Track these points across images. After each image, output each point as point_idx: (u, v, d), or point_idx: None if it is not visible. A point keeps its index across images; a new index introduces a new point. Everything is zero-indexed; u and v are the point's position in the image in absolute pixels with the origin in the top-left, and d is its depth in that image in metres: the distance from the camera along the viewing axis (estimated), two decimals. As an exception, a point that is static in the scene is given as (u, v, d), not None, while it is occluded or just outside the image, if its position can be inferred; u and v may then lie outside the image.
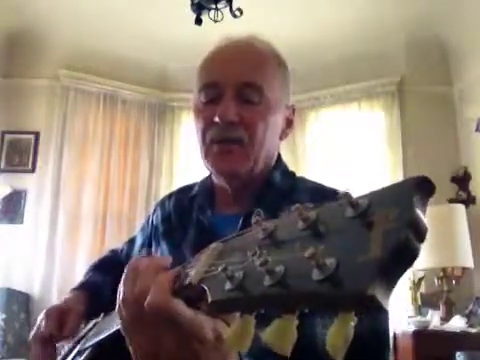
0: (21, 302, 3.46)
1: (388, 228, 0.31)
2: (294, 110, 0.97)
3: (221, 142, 0.86)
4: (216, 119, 0.84)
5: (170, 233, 0.98)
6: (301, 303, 0.34)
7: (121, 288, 0.53)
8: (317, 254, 0.33)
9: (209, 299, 0.42)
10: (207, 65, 0.92)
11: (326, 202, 0.38)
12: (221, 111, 0.83)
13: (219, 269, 0.41)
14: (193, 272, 0.47)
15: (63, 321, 0.89)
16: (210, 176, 0.99)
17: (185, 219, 0.96)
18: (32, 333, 0.90)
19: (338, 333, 0.32)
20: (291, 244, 0.37)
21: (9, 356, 3.18)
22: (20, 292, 3.51)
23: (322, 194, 0.85)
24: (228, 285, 0.39)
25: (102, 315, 0.90)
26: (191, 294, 0.48)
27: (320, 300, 0.33)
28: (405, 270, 0.32)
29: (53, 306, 0.93)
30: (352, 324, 0.32)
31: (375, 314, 0.70)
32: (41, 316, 0.91)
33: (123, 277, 0.54)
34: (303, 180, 0.94)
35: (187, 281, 0.47)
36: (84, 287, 1.01)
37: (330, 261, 0.32)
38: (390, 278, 0.31)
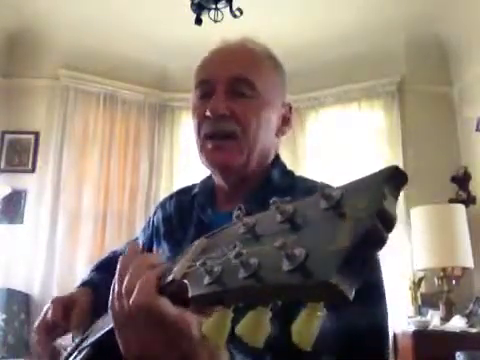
0: (21, 302, 3.46)
1: (357, 218, 0.31)
2: (291, 108, 0.98)
3: (214, 137, 0.87)
4: (207, 113, 0.86)
5: (171, 233, 0.98)
6: (273, 295, 0.35)
7: (113, 285, 0.54)
8: (287, 245, 0.33)
9: (190, 294, 0.42)
10: (201, 65, 0.95)
11: None
12: (211, 105, 0.86)
13: (198, 264, 0.41)
14: (177, 268, 0.48)
15: (69, 311, 0.90)
16: (211, 176, 1.00)
17: (186, 219, 0.96)
18: (37, 322, 0.91)
19: (305, 324, 0.31)
20: (268, 237, 0.38)
21: (9, 356, 3.18)
22: (20, 292, 3.51)
23: None
24: (207, 279, 0.40)
25: (104, 313, 0.90)
26: (176, 290, 0.48)
27: (290, 291, 0.33)
28: (371, 258, 0.32)
29: (59, 296, 0.94)
30: (319, 314, 0.32)
31: (372, 308, 0.70)
32: (47, 305, 0.92)
33: (115, 275, 0.55)
34: (302, 179, 0.94)
35: (171, 277, 0.48)
36: (86, 285, 1.02)
37: (299, 251, 0.32)
38: (356, 267, 0.31)
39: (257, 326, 0.35)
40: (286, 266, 0.33)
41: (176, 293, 0.48)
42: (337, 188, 0.35)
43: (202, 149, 0.90)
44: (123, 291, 0.51)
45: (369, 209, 0.31)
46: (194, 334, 0.48)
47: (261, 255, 0.36)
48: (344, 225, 0.31)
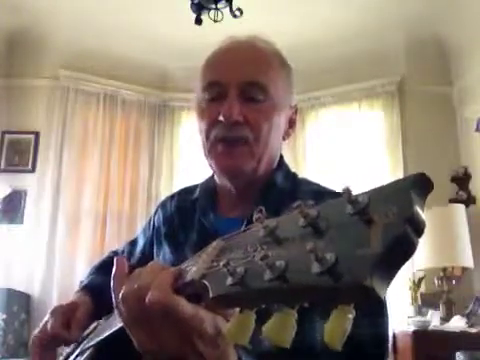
0: (21, 302, 3.46)
1: (387, 223, 0.31)
2: (297, 110, 0.98)
3: (226, 141, 0.86)
4: (220, 118, 0.84)
5: (172, 235, 0.97)
6: (301, 296, 0.35)
7: (121, 287, 0.54)
8: (317, 249, 0.33)
9: (210, 294, 0.42)
10: (211, 65, 0.92)
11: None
12: (225, 111, 0.84)
13: (220, 265, 0.42)
14: (194, 269, 0.48)
15: (70, 320, 0.88)
16: (212, 177, 0.99)
17: (187, 221, 0.96)
18: (35, 332, 0.89)
19: (336, 325, 0.32)
20: (292, 240, 0.38)
21: (9, 356, 3.18)
22: (20, 292, 3.51)
23: (325, 196, 0.84)
24: (229, 280, 0.40)
25: (104, 316, 0.90)
26: (193, 291, 0.48)
27: (319, 293, 0.34)
28: (403, 263, 0.32)
29: (59, 305, 0.92)
30: (350, 317, 0.32)
31: (376, 317, 0.70)
32: (47, 316, 0.90)
33: (114, 273, 0.55)
34: (306, 182, 0.94)
35: (189, 278, 0.48)
36: (86, 289, 1.01)
37: (329, 255, 0.33)
38: (388, 271, 0.32)
39: (284, 327, 0.35)
40: (315, 269, 0.33)
41: (192, 294, 0.48)
42: (362, 193, 0.35)
43: (211, 152, 0.89)
44: (137, 289, 0.51)
45: (399, 215, 0.31)
46: (207, 332, 0.49)
47: (288, 258, 0.36)
48: (374, 231, 0.32)
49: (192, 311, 0.48)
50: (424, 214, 0.33)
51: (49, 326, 0.87)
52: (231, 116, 0.83)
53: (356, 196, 0.34)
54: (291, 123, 0.96)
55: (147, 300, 0.48)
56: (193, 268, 0.48)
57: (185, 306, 0.48)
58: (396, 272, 0.32)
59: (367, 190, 0.35)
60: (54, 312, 0.90)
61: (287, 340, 0.35)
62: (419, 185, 0.33)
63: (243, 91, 0.85)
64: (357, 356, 0.65)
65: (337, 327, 0.32)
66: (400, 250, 0.31)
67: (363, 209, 0.33)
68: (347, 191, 0.35)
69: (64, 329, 0.87)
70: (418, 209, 0.32)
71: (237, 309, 0.40)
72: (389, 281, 0.32)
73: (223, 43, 0.93)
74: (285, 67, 0.93)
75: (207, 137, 0.88)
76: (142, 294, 0.49)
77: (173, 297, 0.48)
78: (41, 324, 0.90)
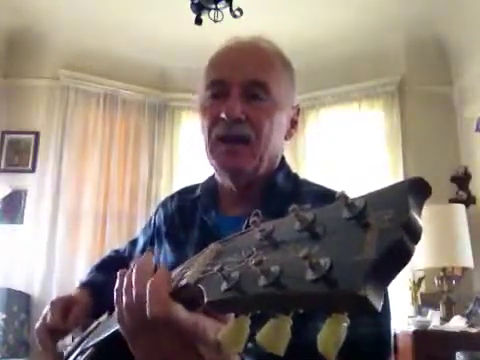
0: (21, 302, 3.46)
1: (383, 229, 0.31)
2: (299, 111, 0.98)
3: (227, 140, 0.86)
4: (222, 115, 0.85)
5: (173, 233, 0.98)
6: (295, 303, 0.34)
7: (120, 297, 0.54)
8: (311, 254, 0.33)
9: (205, 299, 0.42)
10: (214, 64, 0.93)
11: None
12: (228, 108, 0.84)
13: (215, 269, 0.41)
14: (190, 273, 0.47)
15: (68, 312, 0.91)
16: (213, 177, 0.99)
17: (188, 220, 0.96)
18: (37, 324, 0.91)
19: (330, 333, 0.31)
20: (287, 245, 0.37)
21: (9, 356, 3.18)
22: (20, 292, 3.51)
23: (326, 197, 0.84)
24: (224, 285, 0.40)
25: (106, 314, 0.90)
26: (188, 295, 0.48)
27: (313, 300, 0.33)
28: (399, 271, 0.32)
29: (58, 297, 0.94)
30: (344, 325, 0.32)
31: (376, 316, 0.70)
32: (46, 307, 0.92)
33: (117, 286, 0.55)
34: (307, 183, 0.94)
35: (184, 282, 0.48)
36: (87, 286, 1.02)
37: (324, 261, 0.32)
38: (383, 278, 0.31)
39: (278, 334, 0.35)
40: (310, 275, 0.32)
41: (188, 298, 0.48)
42: (358, 197, 0.34)
43: (213, 151, 0.89)
44: (135, 303, 0.50)
45: (395, 220, 0.31)
46: (209, 338, 0.49)
47: (283, 263, 0.36)
48: (369, 236, 0.31)
49: (193, 319, 0.48)
50: (423, 213, 0.32)
51: (48, 318, 0.89)
52: (233, 113, 0.84)
53: (353, 200, 0.34)
54: (293, 123, 0.97)
55: (148, 315, 0.48)
56: (188, 272, 0.48)
57: (185, 314, 0.48)
58: (391, 279, 0.31)
59: (364, 194, 0.34)
60: (53, 304, 0.92)
61: (280, 348, 0.34)
62: (416, 190, 0.32)
63: (246, 90, 0.86)
64: (357, 356, 0.65)
65: (331, 336, 0.31)
66: (395, 256, 0.31)
67: (359, 213, 0.33)
68: (343, 195, 0.34)
69: (62, 321, 0.89)
70: (415, 214, 0.31)
71: (232, 314, 0.40)
72: (384, 289, 0.31)
73: (226, 43, 0.94)
74: (287, 68, 0.94)
75: (209, 135, 0.89)
76: (141, 307, 0.49)
77: (173, 308, 0.48)
78: (41, 316, 0.92)
